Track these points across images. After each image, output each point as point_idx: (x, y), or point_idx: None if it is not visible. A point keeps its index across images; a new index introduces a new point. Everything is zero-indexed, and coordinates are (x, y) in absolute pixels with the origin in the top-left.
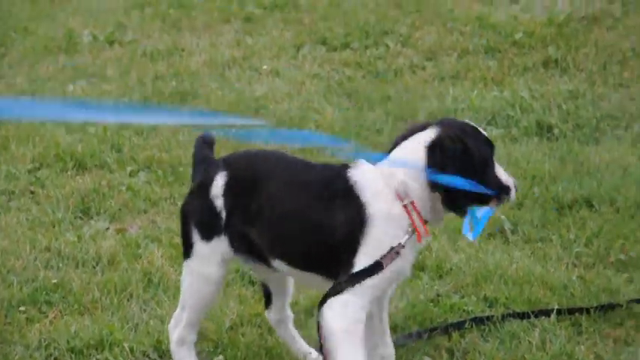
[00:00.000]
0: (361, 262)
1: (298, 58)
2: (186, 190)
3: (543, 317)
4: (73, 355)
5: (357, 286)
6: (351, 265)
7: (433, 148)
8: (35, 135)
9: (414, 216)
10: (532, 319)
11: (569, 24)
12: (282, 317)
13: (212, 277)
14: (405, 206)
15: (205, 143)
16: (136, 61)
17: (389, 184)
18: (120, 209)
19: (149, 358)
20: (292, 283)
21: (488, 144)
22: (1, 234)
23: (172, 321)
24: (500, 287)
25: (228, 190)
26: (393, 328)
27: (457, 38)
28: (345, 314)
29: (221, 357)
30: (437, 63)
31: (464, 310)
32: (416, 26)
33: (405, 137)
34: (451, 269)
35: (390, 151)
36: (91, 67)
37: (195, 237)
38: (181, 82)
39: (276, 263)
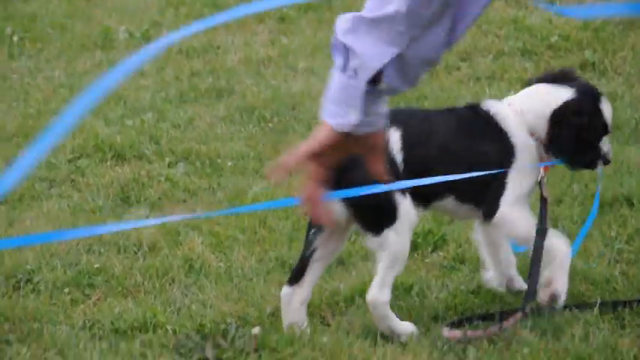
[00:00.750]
0: (509, 188)
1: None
2: (225, 181)
3: (586, 310)
4: (117, 336)
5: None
6: (502, 190)
7: (555, 117)
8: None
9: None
10: (574, 311)
11: (606, 28)
12: (306, 297)
13: (414, 225)
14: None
15: None
16: (172, 58)
17: (522, 119)
18: (159, 198)
19: (192, 340)
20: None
21: (605, 124)
22: (43, 219)
23: (379, 282)
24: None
25: (404, 144)
26: (434, 318)
27: (492, 40)
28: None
29: (258, 328)
30: (472, 64)
31: (505, 302)
32: None
33: (541, 80)
34: None
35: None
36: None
37: (398, 197)
38: (217, 78)
39: (442, 202)
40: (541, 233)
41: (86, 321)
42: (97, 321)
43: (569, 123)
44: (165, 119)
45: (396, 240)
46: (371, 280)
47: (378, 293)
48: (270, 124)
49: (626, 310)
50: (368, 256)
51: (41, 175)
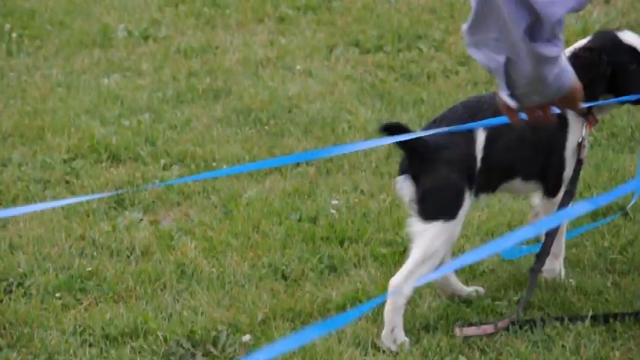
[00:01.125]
0: (568, 165)
1: (331, 60)
2: (220, 184)
3: (578, 322)
4: (107, 342)
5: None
6: (562, 165)
7: (572, 57)
8: (71, 126)
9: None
10: (566, 323)
11: None
12: (446, 258)
13: (459, 230)
14: None
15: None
16: (170, 58)
17: None
18: (153, 201)
19: (182, 347)
20: None
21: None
22: (36, 221)
23: (406, 273)
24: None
25: (487, 142)
26: (425, 327)
27: None
28: None
29: (248, 336)
30: (470, 68)
31: (497, 312)
32: (449, 31)
33: None
34: (484, 272)
35: None
36: (125, 62)
37: (466, 194)
38: (215, 79)
39: (510, 184)
40: (569, 194)
41: (77, 326)
42: (88, 326)
43: (578, 56)
44: (162, 120)
45: (437, 235)
46: (364, 288)
47: (403, 282)
48: (266, 127)
49: (618, 322)
50: (360, 263)
51: (35, 177)
